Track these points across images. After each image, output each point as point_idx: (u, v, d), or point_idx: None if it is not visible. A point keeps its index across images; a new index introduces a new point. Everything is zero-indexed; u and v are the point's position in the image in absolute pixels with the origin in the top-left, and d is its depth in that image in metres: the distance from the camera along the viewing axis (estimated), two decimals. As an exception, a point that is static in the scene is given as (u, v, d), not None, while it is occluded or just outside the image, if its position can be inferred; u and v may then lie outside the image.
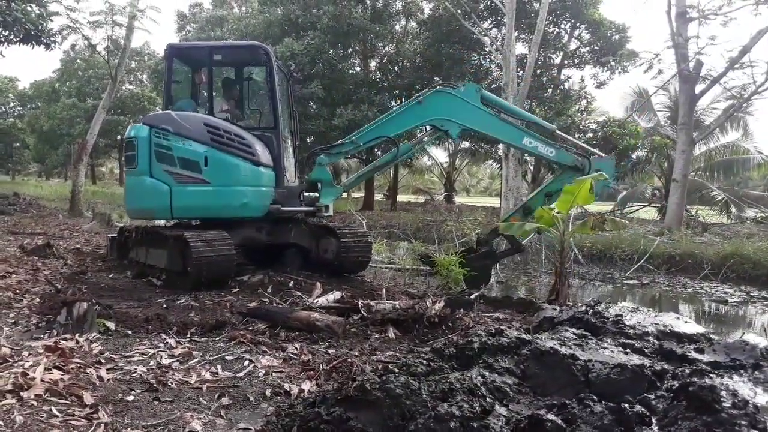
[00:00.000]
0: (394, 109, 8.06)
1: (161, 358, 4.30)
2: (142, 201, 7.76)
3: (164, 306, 6.15)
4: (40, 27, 16.36)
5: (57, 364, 3.87)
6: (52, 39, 17.26)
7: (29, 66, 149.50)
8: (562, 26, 26.39)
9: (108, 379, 3.75)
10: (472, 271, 8.06)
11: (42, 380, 3.52)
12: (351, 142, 8.16)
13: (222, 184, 7.59)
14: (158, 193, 7.48)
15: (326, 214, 8.42)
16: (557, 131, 8.50)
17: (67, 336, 4.56)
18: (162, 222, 8.81)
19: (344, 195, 37.98)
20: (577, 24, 25.91)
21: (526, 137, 7.86)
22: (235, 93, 8.95)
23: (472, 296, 6.98)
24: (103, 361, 4.10)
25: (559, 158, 7.91)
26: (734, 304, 9.58)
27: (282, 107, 8.35)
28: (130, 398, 3.49)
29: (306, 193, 8.45)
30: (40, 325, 5.03)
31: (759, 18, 18.61)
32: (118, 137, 43.93)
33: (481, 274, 8.24)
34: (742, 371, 3.35)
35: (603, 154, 8.31)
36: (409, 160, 31.23)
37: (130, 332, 5.01)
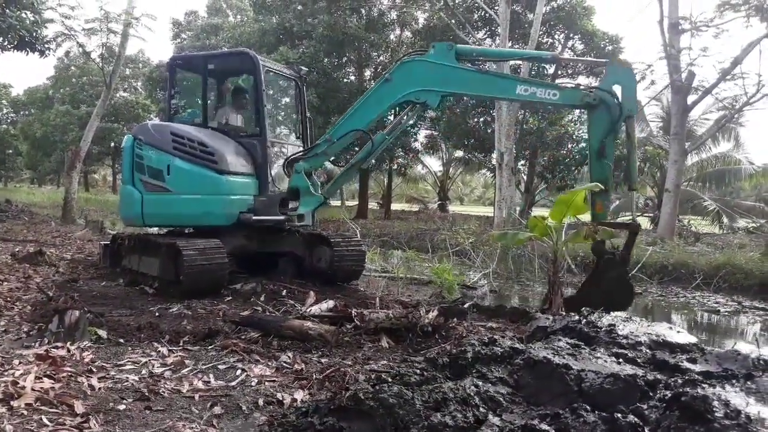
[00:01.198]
0: (363, 95, 7.34)
1: (153, 366, 4.28)
2: (124, 208, 8.16)
3: (156, 314, 6.12)
4: (34, 34, 16.34)
5: (48, 372, 3.84)
6: (46, 46, 17.23)
7: (23, 73, 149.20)
8: (556, 37, 26.59)
9: (99, 388, 3.72)
10: (608, 292, 6.25)
11: (32, 389, 3.50)
12: (325, 141, 7.62)
13: (183, 193, 7.61)
14: (134, 201, 7.80)
15: (302, 223, 7.97)
16: (560, 56, 7.27)
17: (59, 344, 4.53)
18: (155, 230, 8.80)
19: (338, 203, 38.10)
20: (571, 34, 26.11)
21: (520, 85, 6.70)
22: (243, 102, 8.87)
23: (466, 305, 6.98)
24: (94, 369, 4.07)
25: (565, 99, 6.60)
26: (726, 314, 9.61)
27: (265, 113, 8.07)
28: (122, 407, 3.47)
29: (293, 203, 8.24)
30: (31, 333, 5.01)
31: (750, 30, 19.02)
32: (112, 144, 43.84)
33: (621, 287, 6.39)
34: (734, 381, 3.36)
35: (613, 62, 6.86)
36: (402, 168, 31.34)
37: (122, 341, 4.98)
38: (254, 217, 7.73)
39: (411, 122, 7.61)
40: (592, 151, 6.51)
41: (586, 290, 6.52)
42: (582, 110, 24.92)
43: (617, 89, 6.39)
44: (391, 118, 8.27)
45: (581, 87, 6.21)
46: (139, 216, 7.82)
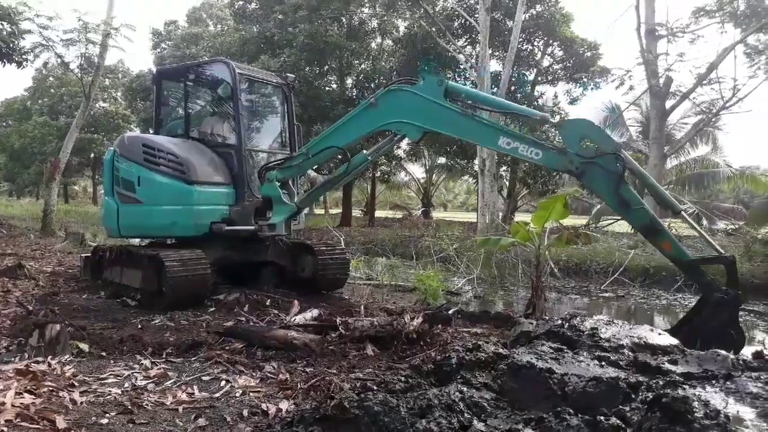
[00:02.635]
0: (345, 116, 7.20)
1: (136, 379, 4.23)
2: (105, 220, 8.33)
3: (139, 326, 6.07)
4: (11, 45, 16.15)
5: (28, 387, 3.79)
6: (24, 57, 17.05)
7: (0, 84, 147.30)
8: (536, 44, 26.85)
9: (81, 403, 3.68)
10: (717, 332, 5.40)
11: (13, 405, 3.44)
12: (302, 154, 7.47)
13: (152, 204, 7.63)
14: (112, 213, 7.94)
15: (274, 233, 7.80)
16: (551, 120, 7.18)
17: (39, 359, 4.47)
18: (137, 241, 8.74)
19: (322, 211, 38.03)
20: (550, 41, 26.38)
21: (503, 137, 6.20)
22: (224, 111, 8.69)
23: (450, 311, 7.00)
24: (76, 383, 4.02)
25: (548, 162, 6.17)
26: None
27: (241, 121, 8.01)
28: (105, 421, 3.43)
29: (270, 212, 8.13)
30: (10, 348, 4.94)
31: (725, 36, 19.25)
32: (92, 155, 43.43)
33: (731, 329, 5.48)
34: (714, 382, 3.42)
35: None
36: (386, 176, 31.44)
37: (104, 354, 4.94)
38: (226, 228, 7.62)
39: (391, 149, 7.26)
40: (614, 207, 6.04)
41: (693, 326, 5.67)
42: (562, 117, 25.20)
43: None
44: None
45: (568, 152, 5.80)
46: (116, 227, 7.95)
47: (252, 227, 7.81)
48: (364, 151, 7.61)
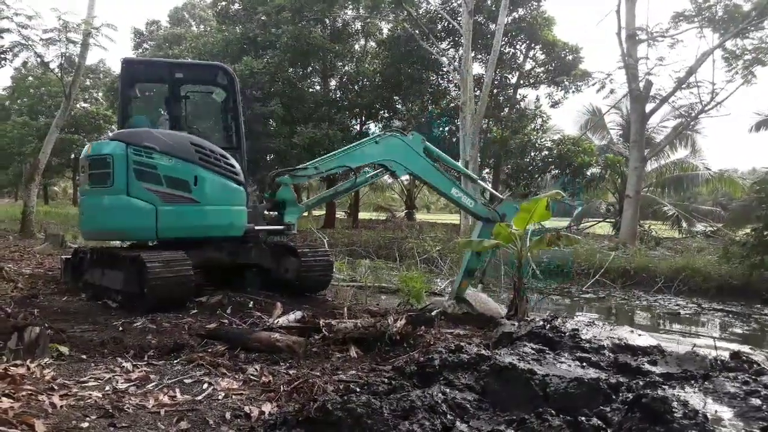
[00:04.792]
0: (352, 145, 8.49)
1: (117, 382, 4.19)
2: (124, 220, 7.39)
3: (120, 329, 6.00)
4: (-11, 44, 15.95)
5: (7, 391, 3.74)
6: (2, 56, 16.84)
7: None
8: (518, 47, 27.05)
9: (61, 406, 3.64)
10: None
11: (-9, 409, 3.40)
12: (314, 168, 8.23)
13: (210, 204, 7.63)
14: (141, 213, 7.31)
15: (292, 232, 8.51)
16: (479, 181, 10.29)
17: (18, 362, 4.40)
18: (117, 243, 8.63)
19: (305, 213, 37.96)
20: (532, 45, 26.59)
21: (454, 188, 8.35)
22: (178, 109, 8.69)
23: (433, 313, 7.02)
24: (56, 387, 3.97)
25: (477, 210, 8.29)
26: (686, 315, 9.86)
27: (242, 127, 8.47)
28: (85, 425, 3.40)
29: (266, 212, 8.39)
30: (-12, 351, 4.86)
31: (703, 41, 19.52)
32: (72, 156, 42.91)
33: None
34: (693, 382, 3.47)
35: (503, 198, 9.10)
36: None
37: (84, 357, 4.88)
38: (256, 227, 8.12)
39: (375, 178, 9.46)
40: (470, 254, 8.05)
41: None
42: (538, 128, 26.08)
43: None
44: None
45: (490, 208, 8.14)
46: (151, 228, 7.61)
47: (281, 227, 8.29)
48: (367, 171, 9.03)
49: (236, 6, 28.75)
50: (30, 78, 46.28)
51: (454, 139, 25.03)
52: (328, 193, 9.58)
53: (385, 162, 8.29)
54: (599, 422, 2.77)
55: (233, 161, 7.96)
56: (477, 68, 25.23)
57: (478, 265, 8.22)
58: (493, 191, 9.56)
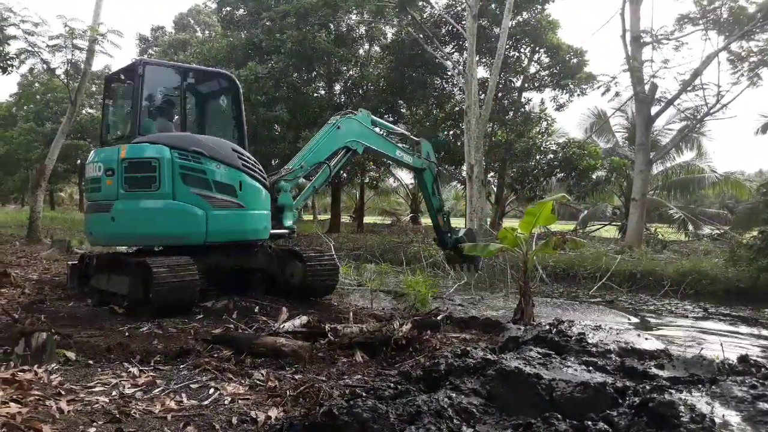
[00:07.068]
0: (317, 138, 9.42)
1: (124, 387, 4.21)
2: (160, 225, 7.34)
3: (126, 334, 6.03)
4: (-4, 51, 16.05)
5: (14, 396, 3.75)
6: (9, 63, 16.92)
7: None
8: (522, 50, 26.98)
9: (68, 411, 3.65)
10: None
11: (-1, 414, 3.41)
12: (300, 167, 8.98)
13: (254, 208, 7.92)
14: (192, 217, 7.33)
15: (293, 235, 9.01)
16: (411, 136, 11.42)
17: (26, 367, 4.43)
18: (123, 248, 8.66)
19: (310, 217, 37.97)
20: (537, 48, 26.52)
21: (398, 150, 9.99)
22: (172, 114, 8.65)
23: (439, 317, 7.02)
24: (63, 392, 3.99)
25: (414, 162, 10.37)
26: (693, 319, 9.80)
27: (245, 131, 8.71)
28: (92, 430, 3.41)
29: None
30: (-4, 357, 4.88)
31: (708, 43, 19.46)
32: (78, 162, 43.03)
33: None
34: (700, 386, 3.45)
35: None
36: (374, 182, 31.58)
37: (91, 362, 4.90)
38: (273, 231, 8.44)
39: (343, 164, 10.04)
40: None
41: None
42: (543, 132, 26.38)
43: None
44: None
45: (418, 156, 10.48)
46: (202, 232, 7.72)
47: (286, 230, 8.69)
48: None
49: (241, 11, 28.83)
50: (36, 84, 46.54)
51: (459, 143, 25.04)
52: (308, 191, 9.40)
53: (348, 143, 9.29)
54: (606, 426, 2.76)
55: (260, 167, 8.28)
56: (481, 72, 25.20)
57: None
58: (409, 134, 11.69)
